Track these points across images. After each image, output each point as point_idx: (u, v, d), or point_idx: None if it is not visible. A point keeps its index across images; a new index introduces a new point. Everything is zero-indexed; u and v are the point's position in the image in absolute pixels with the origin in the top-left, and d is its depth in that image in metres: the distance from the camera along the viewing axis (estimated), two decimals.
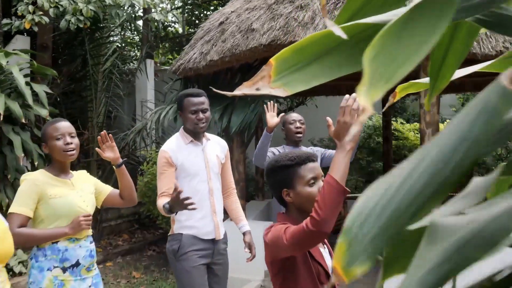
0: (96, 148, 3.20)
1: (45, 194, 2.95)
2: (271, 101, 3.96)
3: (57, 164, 3.08)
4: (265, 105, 3.97)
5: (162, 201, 3.21)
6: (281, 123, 4.30)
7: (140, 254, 7.94)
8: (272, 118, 3.89)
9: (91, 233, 3.15)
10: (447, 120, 10.32)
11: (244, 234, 3.47)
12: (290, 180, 2.10)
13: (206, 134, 3.54)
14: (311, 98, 11.02)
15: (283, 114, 4.08)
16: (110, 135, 3.12)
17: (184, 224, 3.36)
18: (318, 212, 1.80)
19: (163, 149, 3.39)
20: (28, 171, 3.90)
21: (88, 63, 7.36)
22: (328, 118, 2.18)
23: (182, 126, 3.50)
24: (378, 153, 10.53)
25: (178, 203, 2.90)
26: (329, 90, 9.27)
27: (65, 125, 3.05)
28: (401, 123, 10.40)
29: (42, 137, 3.09)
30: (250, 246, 3.41)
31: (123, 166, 3.15)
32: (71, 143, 3.01)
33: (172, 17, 12.15)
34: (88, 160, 7.78)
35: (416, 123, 10.39)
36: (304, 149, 4.22)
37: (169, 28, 12.90)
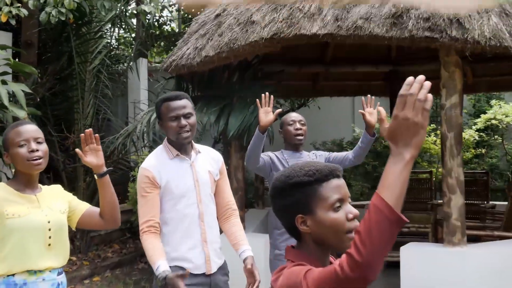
0: (76, 150, 2.60)
1: (1, 213, 2.39)
2: (266, 93, 3.36)
3: (21, 177, 2.52)
4: (257, 100, 3.37)
5: (156, 256, 2.69)
6: (279, 125, 3.73)
7: (130, 267, 7.37)
8: (266, 114, 3.29)
9: (63, 264, 2.56)
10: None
11: (244, 260, 2.82)
12: (308, 203, 1.51)
13: (196, 145, 2.97)
14: (313, 99, 10.48)
15: (280, 110, 3.41)
16: (96, 135, 2.52)
17: (171, 255, 2.78)
18: (360, 250, 1.23)
19: (144, 166, 2.80)
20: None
21: (74, 61, 6.77)
22: (381, 109, 1.55)
23: (166, 138, 2.92)
24: (385, 157, 9.96)
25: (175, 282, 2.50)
26: (334, 91, 8.70)
27: (29, 129, 2.49)
28: None
29: (3, 144, 2.53)
30: (252, 274, 2.80)
31: (107, 176, 2.56)
32: (37, 150, 2.45)
33: (167, 14, 11.60)
34: (74, 165, 7.20)
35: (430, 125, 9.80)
36: (306, 154, 3.66)
37: (164, 26, 12.33)
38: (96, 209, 2.66)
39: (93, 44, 7.27)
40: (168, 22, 12.53)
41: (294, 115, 3.68)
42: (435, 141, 9.50)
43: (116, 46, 11.86)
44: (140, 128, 6.06)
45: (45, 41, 7.94)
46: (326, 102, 10.27)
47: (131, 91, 9.58)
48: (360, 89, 8.76)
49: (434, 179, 8.27)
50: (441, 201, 7.90)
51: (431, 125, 9.80)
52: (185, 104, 2.80)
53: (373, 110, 3.52)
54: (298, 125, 3.59)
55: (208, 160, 2.96)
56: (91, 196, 7.53)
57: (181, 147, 2.84)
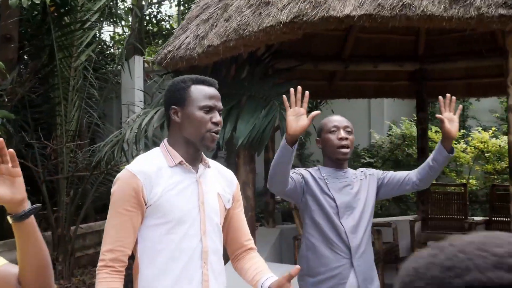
0: None
1: None
2: (298, 88, 2.33)
3: None
4: (284, 97, 2.35)
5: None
6: (317, 132, 2.73)
7: None
8: (296, 118, 2.27)
9: None
10: (493, 128, 8.73)
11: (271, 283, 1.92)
12: None
13: (205, 157, 2.09)
14: (326, 101, 9.52)
15: (318, 112, 2.28)
16: (11, 151, 1.47)
17: None
18: None
19: (131, 170, 1.89)
20: None
21: (55, 56, 5.79)
22: None
23: (167, 138, 2.03)
24: (407, 167, 8.98)
25: None
26: (352, 92, 7.72)
27: None
28: (436, 131, 8.79)
29: None
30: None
31: (31, 220, 1.52)
32: None
33: (165, 10, 10.64)
34: (56, 178, 6.21)
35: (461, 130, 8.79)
36: (351, 173, 2.67)
37: (163, 22, 11.37)
38: (13, 271, 1.59)
39: (79, 37, 6.29)
40: (167, 19, 11.56)
41: (337, 119, 2.66)
42: (465, 149, 8.50)
43: (109, 45, 10.92)
44: (131, 134, 5.08)
45: (26, 35, 6.97)
46: (339, 105, 9.35)
47: (124, 92, 8.60)
48: (381, 90, 7.81)
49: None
50: (478, 218, 6.92)
51: (461, 131, 8.81)
52: (219, 96, 2.02)
53: (454, 115, 2.52)
54: (343, 133, 2.57)
55: (218, 179, 2.09)
56: (75, 212, 6.56)
57: (192, 154, 1.99)
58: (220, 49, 4.06)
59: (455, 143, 8.52)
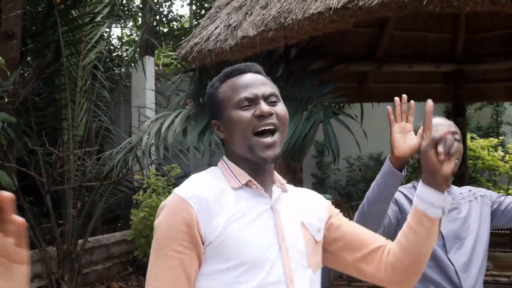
0: None
1: None
2: (403, 96, 1.74)
3: None
4: (388, 109, 1.73)
5: None
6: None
7: None
8: (404, 135, 1.69)
9: None
10: None
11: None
12: None
13: (279, 177, 1.49)
14: (349, 106, 8.90)
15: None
16: (19, 220, 0.83)
17: None
18: None
19: (181, 194, 1.32)
20: None
21: (62, 53, 5.20)
22: None
23: (224, 156, 1.48)
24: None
25: None
26: (383, 95, 7.10)
27: None
28: (472, 138, 8.15)
29: None
30: None
31: None
32: None
33: (177, 9, 10.09)
34: (61, 188, 5.61)
35: (491, 138, 8.15)
36: (456, 192, 2.05)
37: (174, 22, 10.79)
38: None
39: (88, 33, 5.71)
40: (178, 18, 10.98)
41: (442, 123, 2.05)
42: (503, 156, 7.86)
43: (117, 46, 10.37)
44: (147, 141, 4.48)
45: (30, 32, 6.39)
46: (364, 108, 8.75)
47: (135, 95, 8.00)
48: (415, 93, 7.16)
49: None
50: None
51: (499, 138, 8.18)
52: (263, 80, 1.41)
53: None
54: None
55: (299, 203, 1.47)
56: (83, 225, 5.95)
57: (258, 173, 1.40)
58: (257, 40, 3.46)
59: (493, 150, 7.86)
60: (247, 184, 1.37)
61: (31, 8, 6.03)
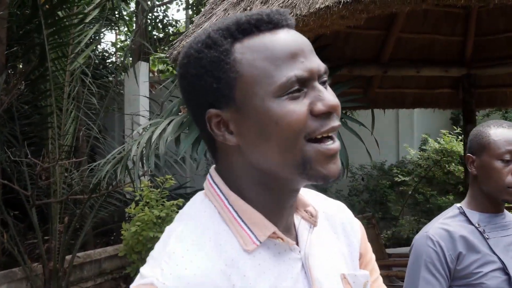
0: None
1: None
2: None
3: None
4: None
5: None
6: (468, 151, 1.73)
7: None
8: None
9: None
10: None
11: None
12: None
13: (305, 198, 0.93)
14: (351, 112, 8.55)
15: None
16: None
17: None
18: None
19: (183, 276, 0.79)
20: None
21: (47, 57, 4.83)
22: None
23: (217, 175, 0.90)
24: (443, 184, 8.00)
25: None
26: (389, 101, 6.76)
27: None
28: None
29: None
30: None
31: None
32: None
33: (172, 13, 9.77)
34: (47, 201, 5.23)
35: None
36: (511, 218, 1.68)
37: (169, 27, 10.47)
38: None
39: (76, 36, 5.34)
40: (174, 23, 10.65)
41: (507, 136, 1.66)
42: None
43: (111, 53, 10.03)
44: (137, 150, 4.12)
45: (16, 35, 6.03)
46: (364, 116, 8.40)
47: (128, 102, 7.64)
48: (422, 99, 6.85)
49: None
50: None
51: None
52: (309, 44, 0.84)
53: None
54: None
55: (334, 243, 0.97)
56: (70, 241, 5.57)
57: (281, 199, 0.86)
58: None
59: None
60: (271, 238, 0.85)
61: (17, 10, 5.67)
